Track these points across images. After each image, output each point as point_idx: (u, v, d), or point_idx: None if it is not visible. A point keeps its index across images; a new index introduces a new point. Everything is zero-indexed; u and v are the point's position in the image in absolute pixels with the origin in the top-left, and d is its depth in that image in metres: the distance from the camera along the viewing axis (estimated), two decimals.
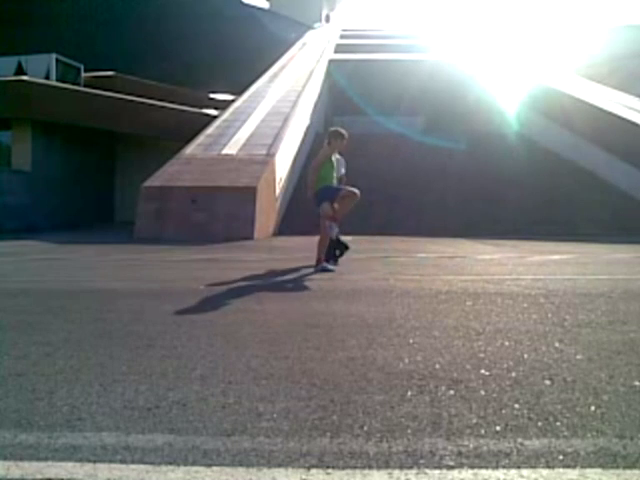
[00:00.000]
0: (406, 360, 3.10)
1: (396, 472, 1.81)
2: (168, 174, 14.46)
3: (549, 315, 4.36)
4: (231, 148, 15.92)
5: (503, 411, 2.33)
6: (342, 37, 35.09)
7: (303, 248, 11.05)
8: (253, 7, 46.44)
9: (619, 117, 18.13)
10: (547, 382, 2.71)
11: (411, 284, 6.16)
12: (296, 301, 5.25)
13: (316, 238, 7.62)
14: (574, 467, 1.83)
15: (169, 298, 5.28)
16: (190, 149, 16.13)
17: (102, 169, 22.58)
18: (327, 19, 51.16)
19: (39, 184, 18.61)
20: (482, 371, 2.89)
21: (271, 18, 44.24)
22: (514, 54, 31.28)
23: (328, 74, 26.08)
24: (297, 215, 14.86)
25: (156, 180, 14.17)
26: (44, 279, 6.85)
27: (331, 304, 4.93)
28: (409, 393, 2.56)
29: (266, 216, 14.11)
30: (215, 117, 20.20)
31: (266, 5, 49.55)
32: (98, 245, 12.18)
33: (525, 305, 4.78)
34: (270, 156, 15.09)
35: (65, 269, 7.88)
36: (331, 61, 27.23)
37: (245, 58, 34.30)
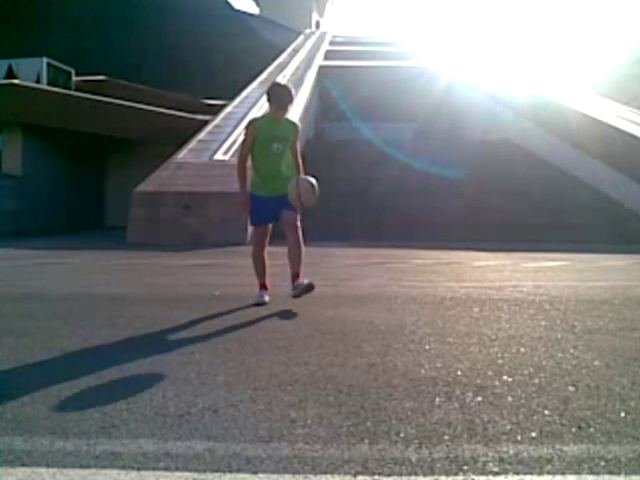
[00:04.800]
0: (426, 366, 3.11)
1: (442, 479, 1.82)
2: (160, 179, 14.39)
3: (557, 322, 4.40)
4: (223, 153, 15.87)
5: (534, 417, 2.35)
6: (332, 44, 35.16)
7: None
8: (244, 13, 46.53)
9: (622, 131, 18.11)
10: (571, 388, 2.74)
11: (414, 290, 6.18)
12: (302, 307, 5.23)
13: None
14: (618, 474, 1.85)
15: (175, 304, 5.26)
16: (182, 154, 16.07)
17: (93, 173, 22.43)
18: (317, 25, 51.36)
19: (30, 188, 18.45)
20: (504, 377, 2.90)
21: (262, 24, 44.30)
22: (514, 63, 31.39)
23: (318, 80, 26.12)
24: None
25: (148, 185, 14.09)
26: (41, 284, 6.79)
27: (338, 310, 4.94)
28: (437, 400, 2.57)
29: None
30: (207, 122, 20.14)
31: (257, 11, 49.67)
32: (91, 250, 12.08)
33: (532, 312, 4.81)
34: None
35: (61, 274, 7.81)
36: (321, 67, 27.27)
37: (236, 63, 34.31)
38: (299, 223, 5.19)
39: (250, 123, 5.19)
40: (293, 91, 5.13)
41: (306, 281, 5.11)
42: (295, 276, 5.16)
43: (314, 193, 4.95)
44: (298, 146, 5.27)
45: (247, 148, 5.09)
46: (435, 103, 25.71)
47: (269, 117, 5.13)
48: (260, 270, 5.40)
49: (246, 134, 5.11)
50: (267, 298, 5.27)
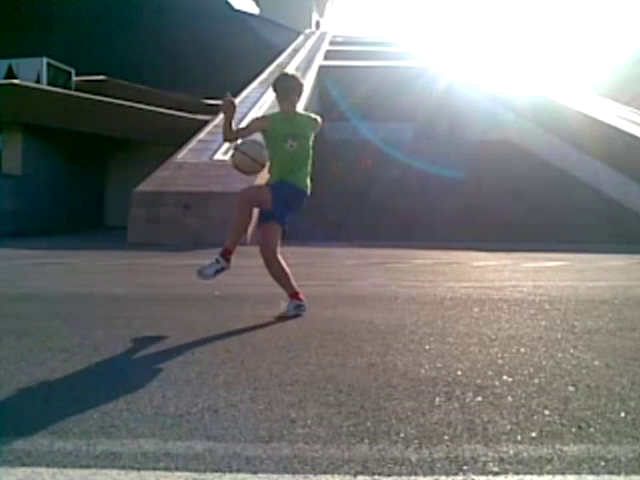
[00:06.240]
0: (426, 366, 3.11)
1: (442, 478, 1.82)
2: (160, 179, 14.41)
3: (557, 322, 4.40)
4: (223, 153, 15.87)
5: (534, 417, 2.35)
6: (332, 44, 35.16)
7: (295, 254, 11.05)
8: (244, 13, 46.58)
9: (622, 131, 18.04)
10: (571, 388, 2.74)
11: (413, 290, 6.18)
12: None
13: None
14: (618, 474, 1.85)
15: (175, 304, 5.26)
16: (182, 154, 16.08)
17: (93, 173, 22.46)
18: (317, 25, 51.41)
19: (30, 188, 18.47)
20: (504, 377, 2.90)
21: (262, 24, 44.32)
22: (514, 64, 31.34)
23: (318, 80, 26.12)
24: (288, 222, 14.80)
25: (148, 185, 14.11)
26: (41, 284, 6.79)
27: (338, 310, 4.93)
28: (437, 400, 2.57)
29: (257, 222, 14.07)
30: (207, 122, 20.15)
31: (257, 11, 49.76)
32: (91, 250, 12.09)
33: (532, 312, 4.81)
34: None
35: (61, 274, 7.82)
36: (321, 67, 27.27)
37: (236, 63, 34.35)
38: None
39: (265, 115, 4.92)
40: (301, 79, 4.64)
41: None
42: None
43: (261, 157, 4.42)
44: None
45: (246, 130, 4.67)
46: (435, 103, 25.71)
47: (281, 114, 4.62)
48: (284, 278, 4.63)
49: (255, 120, 4.79)
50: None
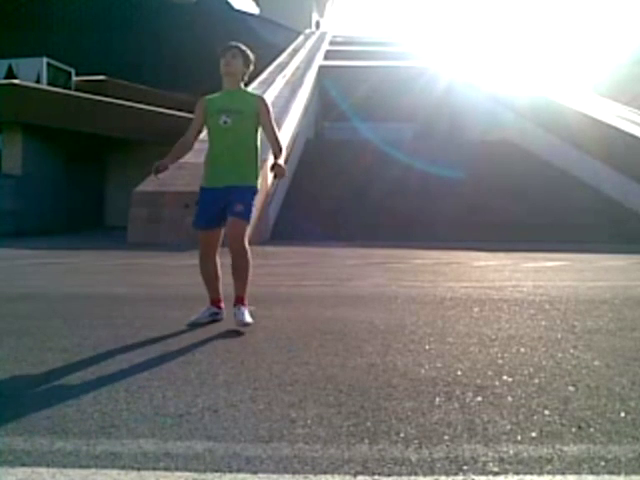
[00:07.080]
0: (426, 366, 3.11)
1: (442, 478, 1.82)
2: (160, 179, 14.37)
3: (557, 322, 4.40)
4: None
5: (534, 417, 2.35)
6: (332, 43, 35.21)
7: (296, 254, 11.07)
8: (244, 13, 46.58)
9: (622, 131, 18.01)
10: (571, 388, 2.74)
11: (413, 290, 6.18)
12: (302, 307, 5.24)
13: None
14: (618, 474, 1.85)
15: (175, 304, 5.26)
16: None
17: (93, 173, 22.47)
18: (317, 25, 51.46)
19: (30, 188, 18.49)
20: (504, 377, 2.90)
21: (262, 24, 44.33)
22: (514, 64, 31.33)
23: (318, 80, 26.14)
24: (289, 222, 14.83)
25: (148, 185, 14.08)
26: (41, 284, 6.79)
27: (338, 310, 4.93)
28: (437, 400, 2.57)
29: (258, 222, 14.06)
30: None
31: (257, 11, 49.75)
32: (91, 250, 12.09)
33: (532, 312, 4.81)
34: (261, 162, 15.06)
35: (61, 274, 7.82)
36: (321, 67, 27.29)
37: None
38: (247, 236, 4.13)
39: (203, 97, 4.39)
40: (245, 49, 4.23)
41: (248, 318, 4.04)
42: (238, 300, 4.09)
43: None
44: (274, 123, 4.21)
45: (193, 126, 4.32)
46: (435, 103, 25.74)
47: (219, 94, 4.33)
48: (208, 283, 4.30)
49: (196, 108, 4.35)
50: (219, 315, 4.27)
